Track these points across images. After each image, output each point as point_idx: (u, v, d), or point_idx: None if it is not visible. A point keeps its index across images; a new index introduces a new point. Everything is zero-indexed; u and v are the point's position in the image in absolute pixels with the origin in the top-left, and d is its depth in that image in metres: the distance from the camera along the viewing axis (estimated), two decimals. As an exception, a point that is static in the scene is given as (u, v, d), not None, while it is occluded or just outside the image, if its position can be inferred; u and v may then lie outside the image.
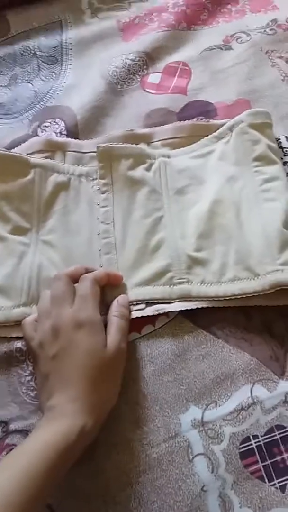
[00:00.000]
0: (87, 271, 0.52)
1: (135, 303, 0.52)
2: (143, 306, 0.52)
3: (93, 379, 0.44)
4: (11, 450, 0.47)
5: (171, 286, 0.52)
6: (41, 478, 0.37)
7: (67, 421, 0.41)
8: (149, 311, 0.52)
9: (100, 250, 0.56)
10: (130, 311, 0.52)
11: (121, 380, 0.47)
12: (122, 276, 0.53)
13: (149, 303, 0.52)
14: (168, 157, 0.62)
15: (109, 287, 0.53)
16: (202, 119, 0.65)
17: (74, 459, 0.41)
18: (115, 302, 0.51)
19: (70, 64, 0.76)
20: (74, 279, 0.50)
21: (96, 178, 0.61)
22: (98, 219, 0.58)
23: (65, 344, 0.45)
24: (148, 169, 0.60)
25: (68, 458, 0.40)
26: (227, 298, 0.50)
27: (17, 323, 0.52)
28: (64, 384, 0.43)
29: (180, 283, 0.52)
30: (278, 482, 0.44)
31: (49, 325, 0.46)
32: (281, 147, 0.62)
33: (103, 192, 0.59)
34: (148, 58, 0.74)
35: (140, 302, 0.52)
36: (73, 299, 0.48)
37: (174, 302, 0.52)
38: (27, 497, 0.36)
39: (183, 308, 0.51)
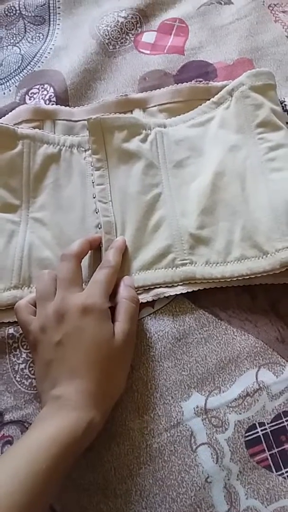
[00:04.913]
0: (91, 244, 0.50)
1: (136, 290, 0.49)
2: (141, 291, 0.49)
3: (101, 370, 0.41)
4: (7, 441, 0.45)
5: (174, 269, 0.49)
6: (46, 477, 0.35)
7: (75, 414, 0.39)
8: (149, 296, 0.49)
9: (99, 227, 0.52)
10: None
11: (128, 370, 0.45)
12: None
13: (150, 288, 0.49)
14: (164, 126, 0.57)
15: None
16: (201, 81, 0.61)
17: (79, 454, 0.39)
18: (122, 284, 0.47)
19: (59, 24, 0.70)
20: (82, 258, 0.48)
21: (89, 149, 0.56)
22: (94, 197, 0.54)
23: (71, 330, 0.42)
24: (143, 140, 0.56)
25: (73, 454, 0.38)
26: (234, 279, 0.47)
27: (8, 308, 0.49)
28: (70, 373, 0.41)
29: (183, 264, 0.49)
30: (286, 472, 0.42)
31: (53, 309, 0.43)
32: (286, 111, 0.57)
33: (97, 169, 0.55)
34: (142, 15, 0.69)
35: (141, 289, 0.49)
36: (81, 282, 0.46)
37: (177, 285, 0.49)
38: (31, 498, 0.34)
39: (185, 291, 0.48)
